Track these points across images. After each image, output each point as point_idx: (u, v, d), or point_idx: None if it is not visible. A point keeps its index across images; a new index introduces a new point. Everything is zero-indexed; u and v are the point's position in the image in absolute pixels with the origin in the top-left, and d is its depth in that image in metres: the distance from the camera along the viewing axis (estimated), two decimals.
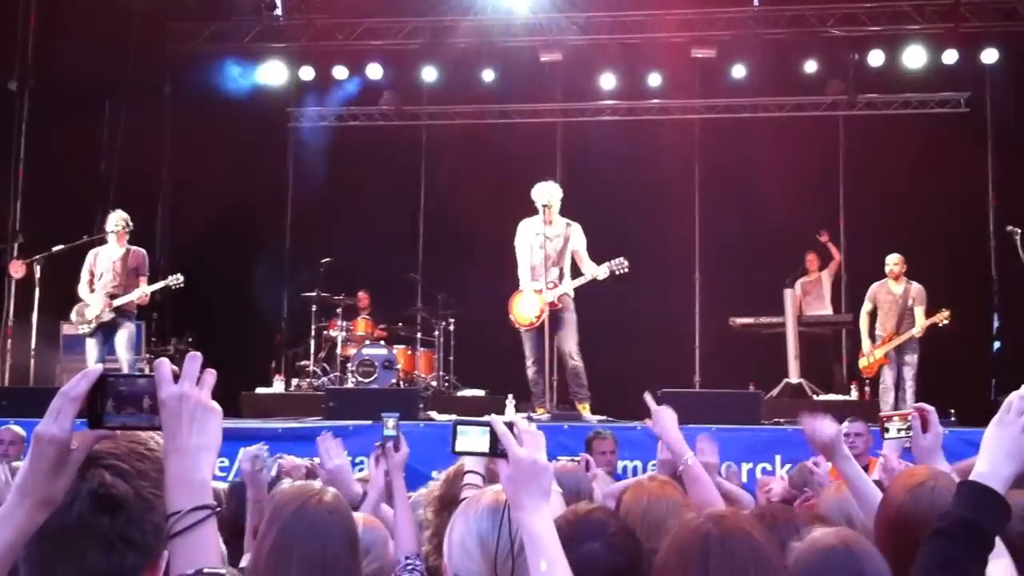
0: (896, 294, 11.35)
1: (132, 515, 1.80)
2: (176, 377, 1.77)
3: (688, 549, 2.24)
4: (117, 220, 10.64)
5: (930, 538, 2.11)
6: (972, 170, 13.50)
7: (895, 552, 2.60)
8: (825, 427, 3.69)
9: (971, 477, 2.14)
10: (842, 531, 2.65)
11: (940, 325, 11.11)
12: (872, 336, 11.48)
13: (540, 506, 2.28)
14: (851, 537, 2.58)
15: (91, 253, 10.73)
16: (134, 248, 10.76)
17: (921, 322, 11.15)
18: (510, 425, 2.35)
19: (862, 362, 11.58)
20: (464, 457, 3.15)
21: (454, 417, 10.14)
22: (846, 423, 7.52)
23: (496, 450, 2.35)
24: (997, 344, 12.52)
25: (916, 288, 11.33)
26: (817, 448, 3.69)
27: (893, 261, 11.39)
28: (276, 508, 2.84)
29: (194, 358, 1.79)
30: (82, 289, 10.59)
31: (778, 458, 8.91)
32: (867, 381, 11.78)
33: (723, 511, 2.32)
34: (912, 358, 11.21)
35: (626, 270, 10.16)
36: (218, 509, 1.74)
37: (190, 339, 12.64)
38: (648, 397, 3.91)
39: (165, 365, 1.78)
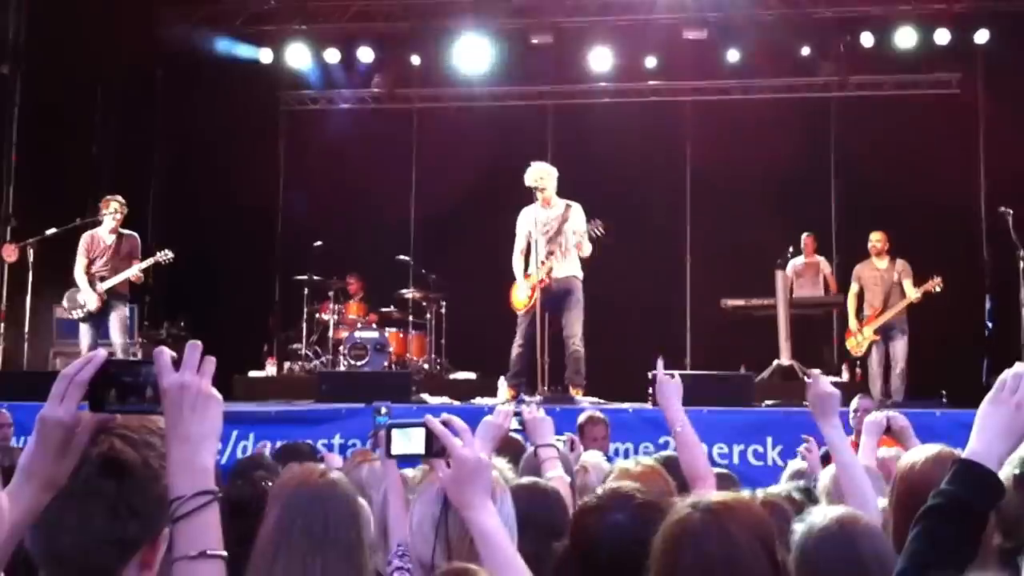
0: (881, 269, 11.39)
1: (138, 482, 1.83)
2: (176, 365, 1.81)
3: (670, 536, 2.23)
4: (115, 206, 10.57)
5: (923, 516, 2.10)
6: (964, 151, 13.50)
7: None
8: (826, 384, 3.65)
9: (965, 455, 2.13)
10: (840, 512, 2.64)
11: (934, 292, 11.10)
12: (859, 316, 11.50)
13: (486, 502, 2.31)
14: (849, 518, 2.59)
15: (86, 236, 10.64)
16: (127, 232, 10.73)
17: (912, 292, 11.17)
18: (445, 423, 2.33)
19: (850, 342, 11.58)
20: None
21: (444, 400, 10.18)
22: (856, 399, 7.57)
23: (432, 451, 2.33)
24: (989, 325, 12.52)
25: (901, 263, 11.36)
26: (811, 402, 3.63)
27: (876, 238, 11.46)
28: (279, 487, 2.88)
29: (195, 347, 1.83)
30: (79, 274, 10.49)
31: (769, 440, 8.92)
32: (858, 362, 11.80)
33: (716, 500, 2.27)
34: (901, 342, 11.22)
35: (602, 231, 10.06)
36: (219, 495, 1.78)
37: (182, 323, 12.64)
38: (660, 362, 3.92)
39: (165, 354, 1.81)
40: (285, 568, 2.64)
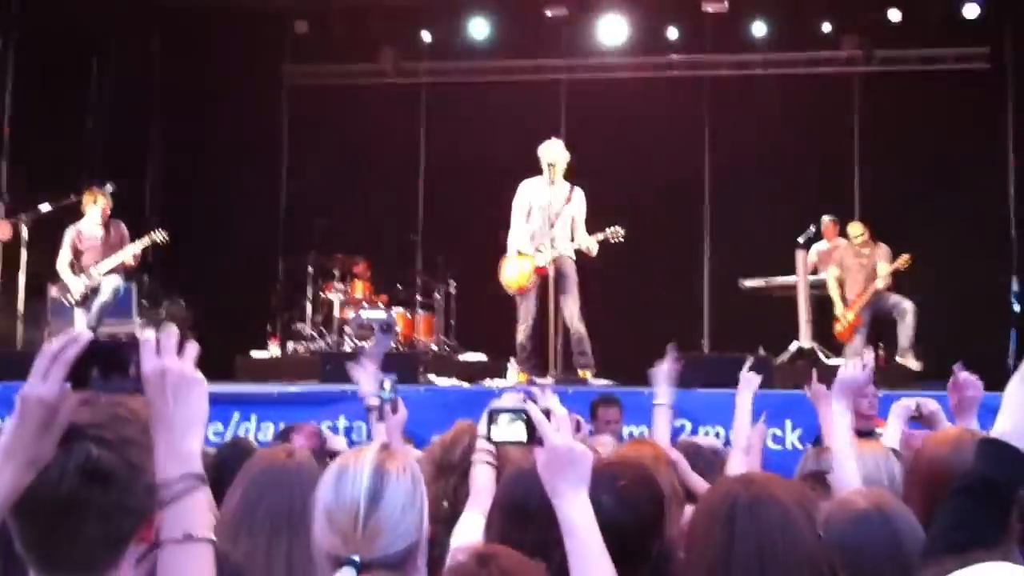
0: (864, 256, 11.28)
1: (123, 484, 1.83)
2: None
3: (716, 512, 2.25)
4: (101, 199, 10.45)
5: (951, 496, 2.10)
6: (991, 129, 13.20)
7: (926, 508, 2.58)
8: (859, 368, 3.76)
9: (993, 434, 2.13)
10: (873, 493, 2.67)
11: (902, 269, 10.96)
12: (844, 300, 11.41)
13: (578, 493, 2.28)
14: (884, 499, 2.61)
15: (71, 230, 10.49)
16: (115, 221, 10.62)
17: (881, 278, 11.03)
18: (546, 412, 2.32)
19: (838, 328, 11.44)
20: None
21: (453, 381, 9.99)
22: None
23: (534, 437, 2.32)
24: (1017, 307, 12.25)
25: (883, 249, 11.22)
26: (839, 383, 3.70)
27: (859, 231, 11.34)
28: (244, 468, 2.89)
29: (169, 335, 1.86)
30: (62, 267, 10.37)
31: (788, 423, 8.64)
32: (880, 345, 11.52)
33: (760, 474, 2.33)
34: (898, 300, 10.97)
35: (621, 239, 9.92)
36: (206, 479, 1.82)
37: (182, 302, 12.43)
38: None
39: (150, 339, 1.84)
40: (248, 550, 2.61)
